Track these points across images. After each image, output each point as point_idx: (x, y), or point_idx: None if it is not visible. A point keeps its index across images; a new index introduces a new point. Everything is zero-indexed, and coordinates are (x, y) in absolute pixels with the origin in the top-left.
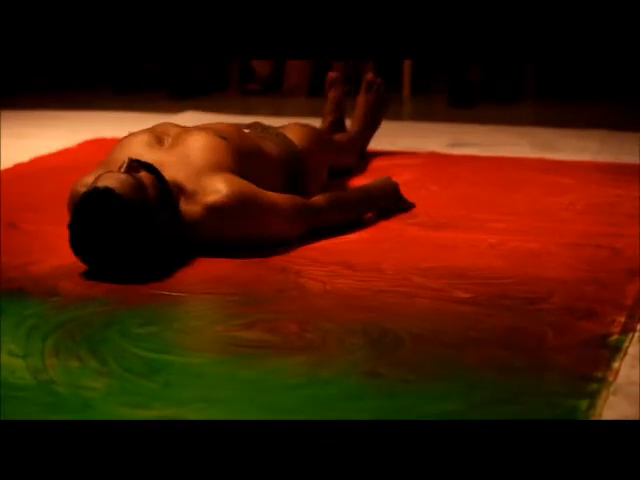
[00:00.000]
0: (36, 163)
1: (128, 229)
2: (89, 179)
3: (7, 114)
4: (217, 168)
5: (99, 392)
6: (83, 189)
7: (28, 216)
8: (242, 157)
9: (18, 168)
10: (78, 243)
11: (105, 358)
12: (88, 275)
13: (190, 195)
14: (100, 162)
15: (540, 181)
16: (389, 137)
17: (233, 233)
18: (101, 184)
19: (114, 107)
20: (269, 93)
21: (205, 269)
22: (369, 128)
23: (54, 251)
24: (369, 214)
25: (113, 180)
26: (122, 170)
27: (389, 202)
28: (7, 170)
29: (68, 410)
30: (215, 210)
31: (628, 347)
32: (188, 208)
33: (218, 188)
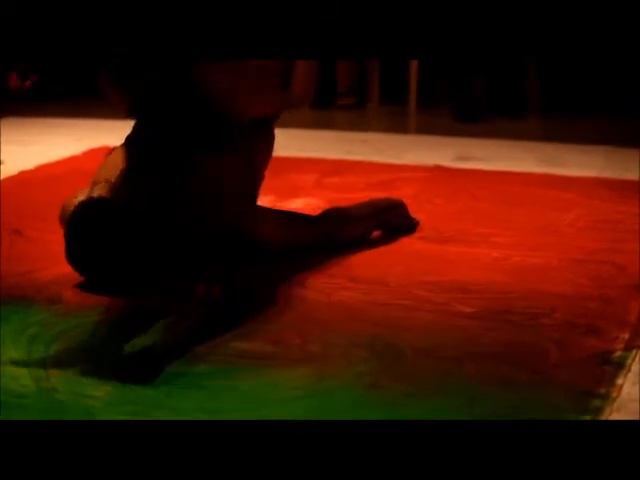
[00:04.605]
0: (41, 171)
1: (124, 239)
2: (79, 198)
3: (12, 121)
4: None
5: (100, 401)
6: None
7: (32, 223)
8: None
9: (23, 175)
10: (73, 253)
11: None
12: (91, 283)
13: None
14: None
15: (544, 196)
16: (394, 150)
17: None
18: (96, 194)
19: (120, 115)
20: None
21: None
22: None
23: (58, 259)
24: (376, 232)
25: (108, 190)
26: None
27: (397, 218)
28: (12, 177)
29: (69, 418)
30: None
31: (631, 364)
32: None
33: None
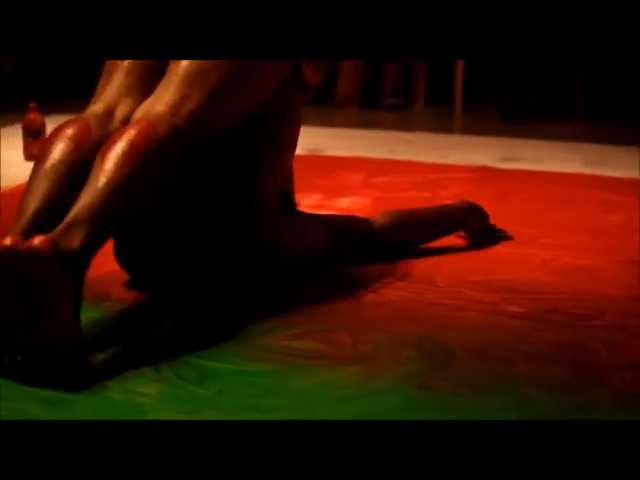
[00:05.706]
0: None
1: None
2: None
3: (55, 119)
4: None
5: (152, 398)
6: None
7: None
8: None
9: None
10: (123, 252)
11: (158, 365)
12: (140, 281)
13: None
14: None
15: (592, 198)
16: (440, 150)
17: None
18: None
19: None
20: (320, 103)
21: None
22: None
23: (106, 256)
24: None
25: None
26: None
27: (481, 225)
28: None
29: (120, 415)
30: None
31: None
32: None
33: None
